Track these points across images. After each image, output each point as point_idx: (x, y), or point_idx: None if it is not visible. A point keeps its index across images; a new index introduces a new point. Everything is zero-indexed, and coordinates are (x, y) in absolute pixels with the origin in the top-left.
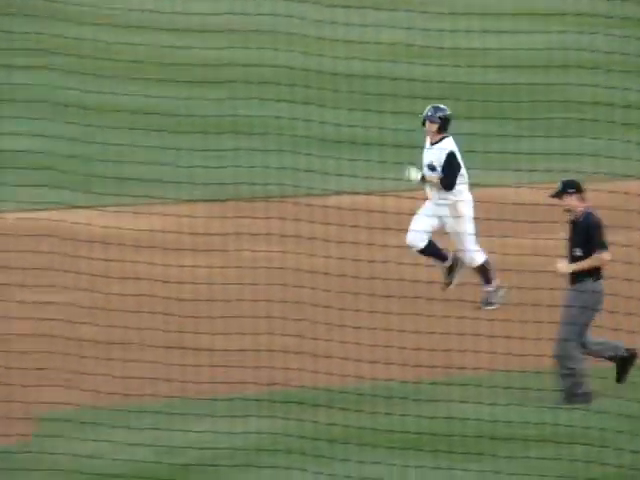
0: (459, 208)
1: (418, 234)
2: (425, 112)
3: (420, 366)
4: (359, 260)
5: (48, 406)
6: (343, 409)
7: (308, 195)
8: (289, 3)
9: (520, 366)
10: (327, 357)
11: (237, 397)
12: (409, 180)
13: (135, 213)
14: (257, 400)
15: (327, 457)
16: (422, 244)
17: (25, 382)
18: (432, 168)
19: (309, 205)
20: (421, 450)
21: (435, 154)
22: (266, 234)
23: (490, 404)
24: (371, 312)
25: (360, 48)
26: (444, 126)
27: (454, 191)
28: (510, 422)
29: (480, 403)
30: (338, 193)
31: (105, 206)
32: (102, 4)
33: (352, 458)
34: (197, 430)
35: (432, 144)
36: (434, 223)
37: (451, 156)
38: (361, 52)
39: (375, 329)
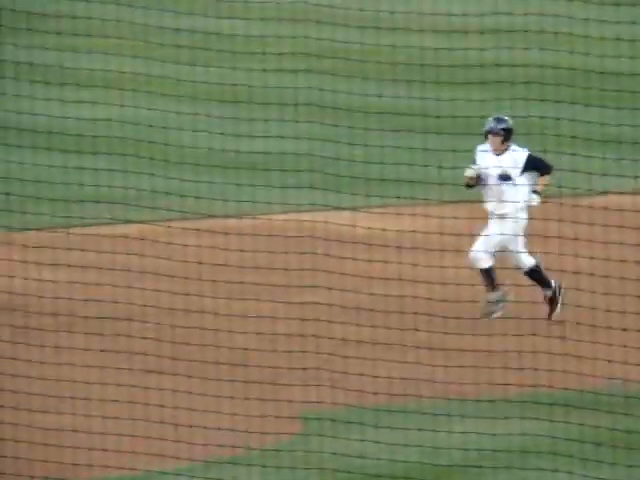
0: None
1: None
2: (487, 125)
3: None
4: (624, 261)
5: (313, 405)
6: (609, 412)
7: (574, 196)
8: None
9: None
10: (592, 359)
11: (500, 399)
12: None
13: (398, 214)
14: (521, 402)
15: (594, 460)
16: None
17: (291, 382)
18: (505, 178)
19: (575, 206)
20: None
21: (506, 162)
22: (531, 235)
23: None
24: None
25: (629, 46)
26: (507, 137)
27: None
28: None
29: None
30: (604, 193)
31: (368, 207)
32: (366, 6)
33: (620, 462)
34: (460, 431)
35: (498, 155)
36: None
37: (530, 157)
38: (631, 50)
39: None
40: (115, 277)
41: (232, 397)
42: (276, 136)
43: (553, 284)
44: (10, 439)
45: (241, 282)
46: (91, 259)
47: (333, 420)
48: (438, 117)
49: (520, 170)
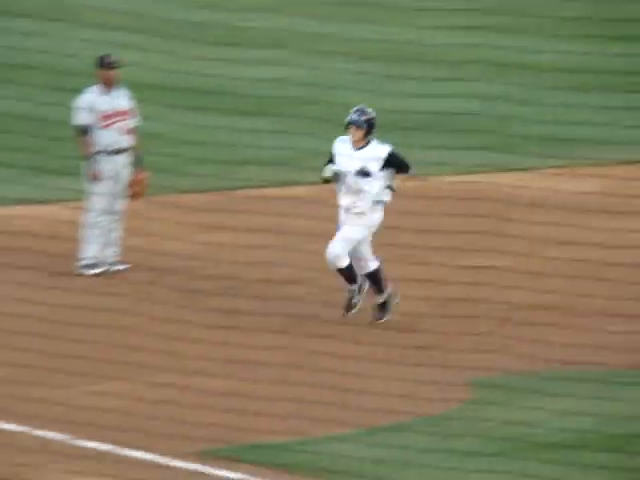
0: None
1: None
2: (349, 116)
3: None
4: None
5: (483, 372)
6: None
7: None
8: None
9: None
10: None
11: None
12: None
13: (571, 175)
14: None
15: None
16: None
17: (461, 347)
18: (364, 174)
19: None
20: None
21: (366, 157)
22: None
23: None
24: None
25: None
26: (370, 130)
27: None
28: None
29: None
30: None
31: (539, 168)
32: None
33: None
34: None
35: (358, 149)
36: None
37: (392, 153)
38: None
39: None
40: (282, 239)
41: (401, 363)
42: (446, 95)
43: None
44: (176, 402)
45: (411, 245)
46: (257, 221)
47: (502, 387)
48: (614, 73)
49: (380, 166)
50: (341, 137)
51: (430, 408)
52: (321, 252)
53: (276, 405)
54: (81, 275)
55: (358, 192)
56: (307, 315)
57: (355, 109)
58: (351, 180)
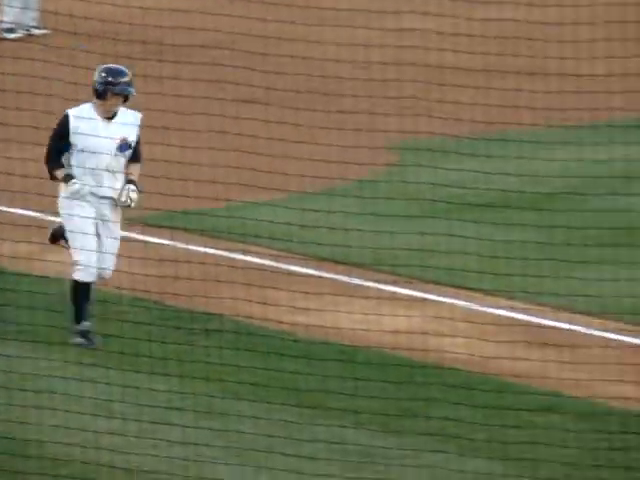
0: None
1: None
2: (103, 79)
3: None
4: None
5: (410, 135)
6: None
7: None
8: None
9: None
10: None
11: (602, 124)
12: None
13: None
14: (625, 127)
15: None
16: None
17: (387, 111)
18: (127, 147)
19: None
20: None
21: (123, 128)
22: None
23: None
24: None
25: None
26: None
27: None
28: None
29: None
30: None
31: None
32: None
33: None
34: (561, 158)
35: (110, 118)
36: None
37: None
38: None
39: None
40: (204, 2)
41: (326, 128)
42: None
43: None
44: None
45: (334, 8)
46: None
47: (430, 150)
48: None
49: (136, 139)
50: (74, 110)
51: (357, 172)
52: (242, 15)
53: (203, 171)
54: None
55: (114, 174)
56: (232, 80)
57: (111, 68)
58: (107, 159)
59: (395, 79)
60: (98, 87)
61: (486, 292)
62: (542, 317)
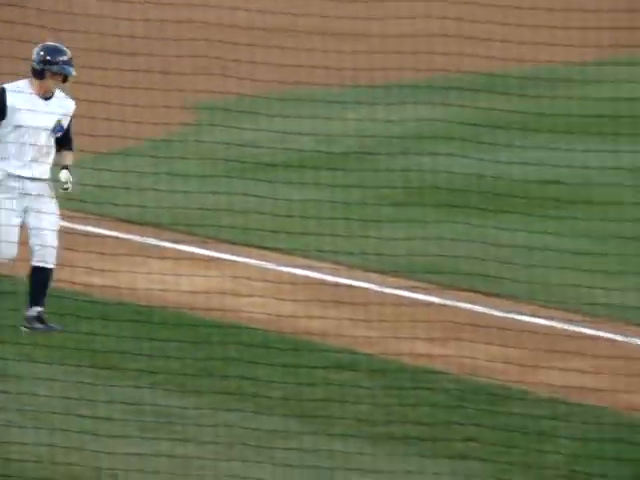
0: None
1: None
2: (41, 58)
3: (585, 46)
4: None
5: (206, 95)
6: (505, 94)
7: None
8: None
9: None
10: (486, 40)
11: (394, 84)
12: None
13: None
14: (415, 87)
15: (489, 143)
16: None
17: (181, 71)
18: (60, 129)
19: None
20: (587, 133)
21: (59, 109)
22: None
23: None
24: None
25: None
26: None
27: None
28: None
29: None
30: None
31: None
32: None
33: (515, 143)
34: (355, 118)
35: (47, 98)
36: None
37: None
38: None
39: None
40: None
41: (120, 86)
42: None
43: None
44: None
45: None
46: None
47: (226, 109)
48: None
49: (68, 123)
50: (10, 85)
51: (152, 132)
52: None
53: None
54: None
55: (45, 156)
56: (25, 38)
57: (52, 46)
58: (39, 139)
59: (190, 38)
60: (36, 66)
61: (282, 251)
62: (337, 276)
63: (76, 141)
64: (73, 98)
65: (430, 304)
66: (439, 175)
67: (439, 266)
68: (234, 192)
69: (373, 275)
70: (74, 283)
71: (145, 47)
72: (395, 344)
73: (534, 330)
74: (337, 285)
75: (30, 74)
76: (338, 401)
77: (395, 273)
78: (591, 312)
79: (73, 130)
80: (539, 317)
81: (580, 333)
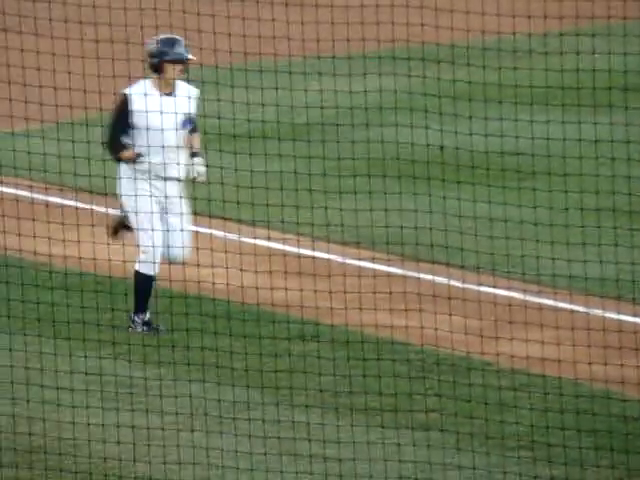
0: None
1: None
2: (157, 50)
3: (547, 17)
4: None
5: None
6: (468, 65)
7: None
8: None
9: None
10: (449, 10)
11: (357, 55)
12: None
13: None
14: (378, 58)
15: (451, 114)
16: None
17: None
18: (189, 123)
19: None
20: (548, 104)
21: (185, 103)
22: None
23: (623, 53)
24: None
25: None
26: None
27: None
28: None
29: (611, 53)
30: None
31: None
32: None
33: (476, 114)
34: (317, 89)
35: (170, 94)
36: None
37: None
38: None
39: None
40: None
41: (83, 57)
42: None
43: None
44: None
45: None
46: None
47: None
48: None
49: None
50: (135, 87)
51: (114, 102)
52: None
53: None
54: None
55: (178, 152)
56: None
57: (168, 37)
58: (171, 137)
59: (152, 8)
60: (153, 60)
61: (245, 223)
62: (299, 247)
63: (37, 111)
64: (196, 87)
65: (392, 275)
66: (401, 146)
67: (401, 237)
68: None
69: (335, 246)
70: (36, 253)
71: (107, 16)
72: (357, 315)
73: (495, 301)
74: (299, 256)
75: (149, 73)
76: (301, 372)
77: (357, 244)
78: (552, 283)
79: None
80: (500, 288)
81: (541, 304)
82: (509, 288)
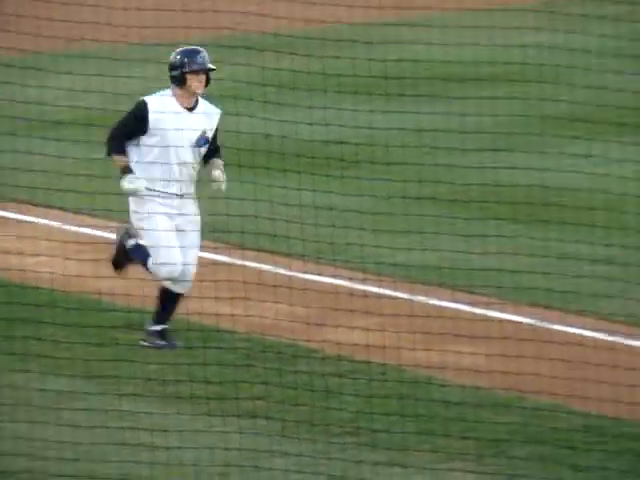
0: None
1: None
2: (178, 61)
3: (369, 7)
4: None
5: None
6: (292, 53)
7: None
8: None
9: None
10: (275, 1)
11: (182, 43)
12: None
13: None
14: (203, 45)
15: (276, 103)
16: None
17: None
18: (205, 142)
19: None
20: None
21: (204, 121)
22: None
23: (442, 44)
24: None
25: None
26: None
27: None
28: (462, 61)
29: (431, 44)
30: None
31: None
32: None
33: (301, 103)
34: (141, 76)
35: (191, 109)
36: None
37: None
38: None
39: None
40: None
41: None
42: None
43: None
44: None
45: None
46: None
47: (10, 66)
48: None
49: (213, 134)
50: (155, 100)
51: None
52: None
53: None
54: None
55: (194, 170)
56: None
57: (190, 49)
58: (187, 155)
59: None
60: (175, 73)
61: (68, 210)
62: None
63: None
64: (221, 108)
65: (217, 263)
66: (226, 135)
67: (226, 225)
68: (19, 150)
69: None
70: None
71: None
72: (184, 303)
73: (320, 289)
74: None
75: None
76: (127, 361)
77: None
78: (376, 270)
79: (221, 139)
80: (325, 276)
81: (366, 291)
82: (334, 276)
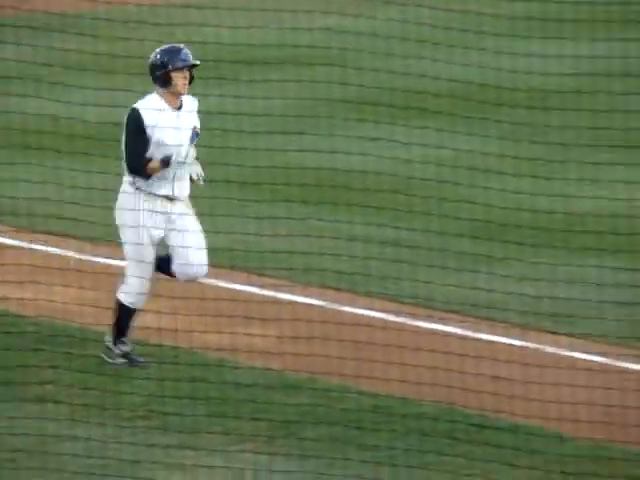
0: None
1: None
2: (159, 61)
3: None
4: None
5: None
6: (79, 34)
7: None
8: None
9: None
10: None
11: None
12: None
13: None
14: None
15: (63, 85)
16: None
17: None
18: (196, 136)
19: None
20: None
21: (192, 116)
22: None
23: (231, 27)
24: None
25: None
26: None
27: None
28: (251, 44)
29: (220, 27)
30: None
31: None
32: None
33: (90, 85)
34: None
35: (179, 107)
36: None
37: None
38: None
39: None
40: None
41: None
42: None
43: None
44: None
45: None
46: None
47: None
48: None
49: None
50: (144, 101)
51: None
52: None
53: None
54: None
55: (186, 169)
56: None
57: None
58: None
59: None
60: (158, 73)
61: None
62: None
63: None
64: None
65: (5, 246)
66: (11, 116)
67: (15, 208)
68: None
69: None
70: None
71: None
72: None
73: (114, 272)
74: None
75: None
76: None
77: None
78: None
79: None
80: (117, 259)
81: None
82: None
